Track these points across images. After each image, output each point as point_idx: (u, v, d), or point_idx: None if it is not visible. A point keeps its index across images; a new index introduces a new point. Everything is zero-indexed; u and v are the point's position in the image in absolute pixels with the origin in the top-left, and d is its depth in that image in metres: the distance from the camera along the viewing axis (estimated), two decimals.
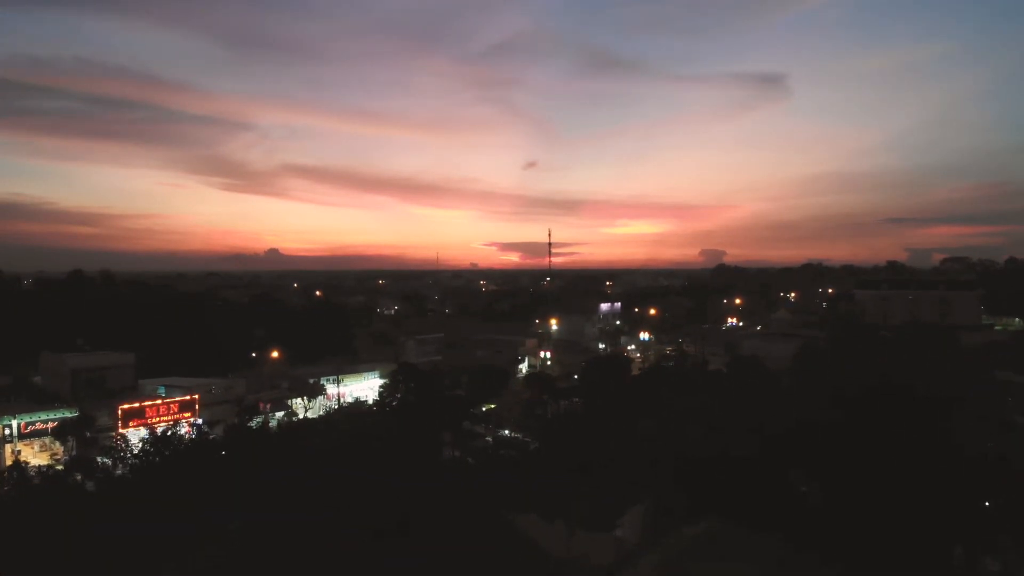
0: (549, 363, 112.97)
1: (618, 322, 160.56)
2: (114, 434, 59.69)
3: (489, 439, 69.41)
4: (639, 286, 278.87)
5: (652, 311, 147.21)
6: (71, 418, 63.62)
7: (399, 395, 59.42)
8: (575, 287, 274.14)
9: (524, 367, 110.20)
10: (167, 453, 44.01)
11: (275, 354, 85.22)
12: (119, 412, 67.17)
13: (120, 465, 46.03)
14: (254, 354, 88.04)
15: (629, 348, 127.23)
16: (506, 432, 72.88)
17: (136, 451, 46.94)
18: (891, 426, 44.16)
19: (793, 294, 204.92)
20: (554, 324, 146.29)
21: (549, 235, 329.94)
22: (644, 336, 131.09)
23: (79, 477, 41.39)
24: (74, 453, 58.63)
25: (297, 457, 42.05)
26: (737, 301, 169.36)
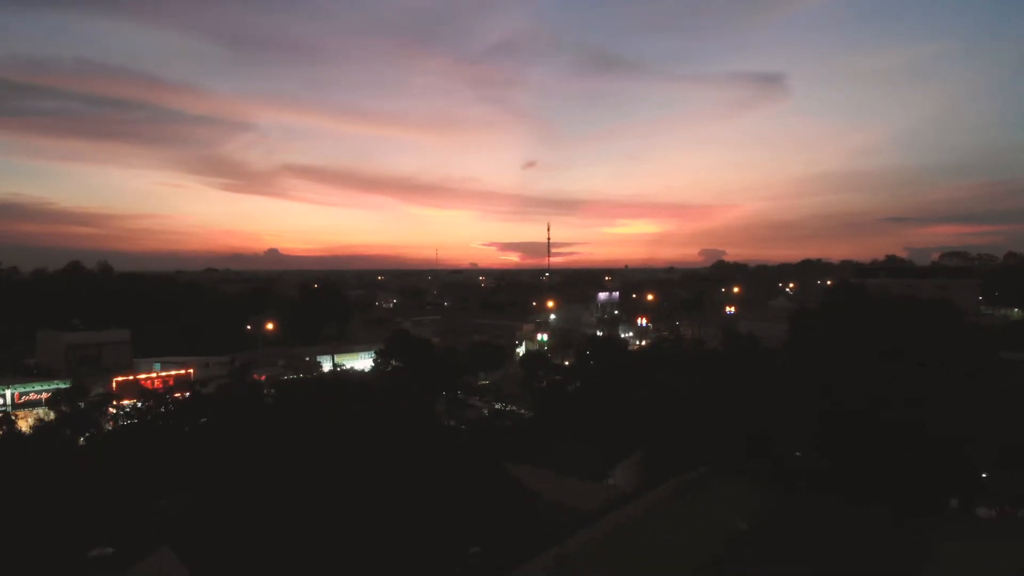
0: (546, 348, 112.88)
1: (616, 311, 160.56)
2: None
3: (485, 411, 69.34)
4: (637, 280, 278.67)
5: (650, 296, 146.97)
6: (65, 388, 63.45)
7: (393, 362, 59.12)
8: (574, 281, 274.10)
9: (521, 350, 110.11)
10: (161, 410, 43.88)
11: (270, 326, 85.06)
12: (114, 384, 67.12)
13: (112, 423, 45.92)
14: (249, 327, 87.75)
15: (627, 335, 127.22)
16: (502, 405, 72.84)
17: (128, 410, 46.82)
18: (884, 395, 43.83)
19: (792, 284, 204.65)
20: (552, 315, 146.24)
21: (548, 229, 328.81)
22: (642, 322, 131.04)
23: (68, 432, 41.28)
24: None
25: (292, 410, 41.92)
26: (736, 290, 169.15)
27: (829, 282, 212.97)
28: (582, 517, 33.44)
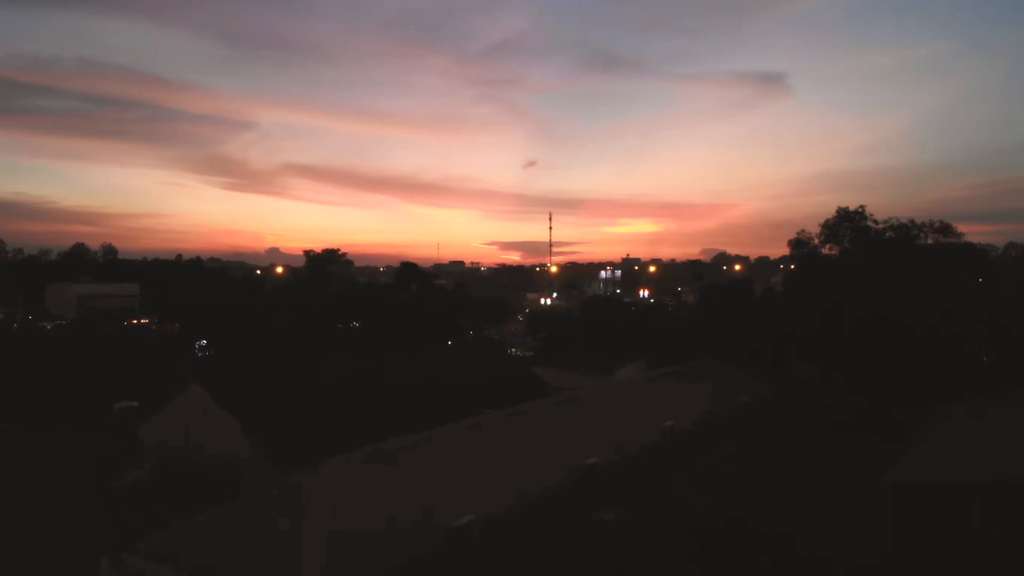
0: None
1: (618, 291, 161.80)
2: None
3: None
4: (640, 265, 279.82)
5: (652, 268, 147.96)
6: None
7: (403, 291, 59.95)
8: (576, 273, 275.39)
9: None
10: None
11: (280, 269, 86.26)
12: (125, 326, 68.09)
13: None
14: (259, 271, 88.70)
15: None
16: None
17: None
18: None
19: (794, 266, 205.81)
20: (555, 293, 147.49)
21: (550, 218, 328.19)
22: (643, 293, 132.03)
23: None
24: None
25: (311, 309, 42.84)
26: (737, 267, 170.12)
27: None
28: None
